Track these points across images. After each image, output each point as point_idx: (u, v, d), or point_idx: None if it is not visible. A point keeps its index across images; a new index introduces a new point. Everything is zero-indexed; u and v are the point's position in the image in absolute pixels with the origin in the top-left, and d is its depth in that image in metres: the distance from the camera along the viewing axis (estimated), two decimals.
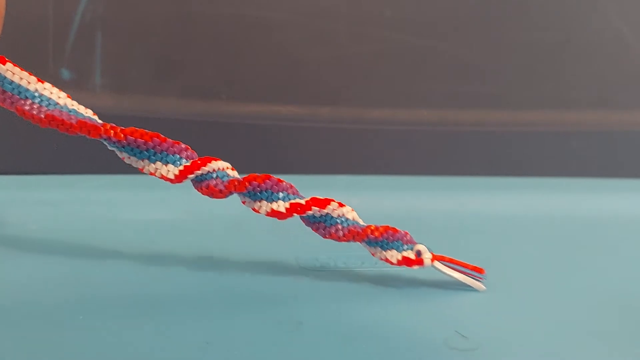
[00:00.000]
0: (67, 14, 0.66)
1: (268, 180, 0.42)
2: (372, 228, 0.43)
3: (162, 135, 0.41)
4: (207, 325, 0.39)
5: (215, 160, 0.42)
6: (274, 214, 0.42)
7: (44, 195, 0.55)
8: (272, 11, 0.70)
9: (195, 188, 0.42)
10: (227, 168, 0.42)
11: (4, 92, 0.40)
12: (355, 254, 0.47)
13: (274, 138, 0.66)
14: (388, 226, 0.43)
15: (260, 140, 0.66)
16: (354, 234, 0.42)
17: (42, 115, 0.39)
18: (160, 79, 0.67)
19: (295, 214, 0.42)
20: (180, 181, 0.41)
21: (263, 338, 0.38)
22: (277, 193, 0.42)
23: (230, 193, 0.42)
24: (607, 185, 0.63)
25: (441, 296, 0.42)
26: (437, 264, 0.43)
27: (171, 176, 0.41)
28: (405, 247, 0.43)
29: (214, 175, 0.42)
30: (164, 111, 0.63)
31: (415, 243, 0.43)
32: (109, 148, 0.41)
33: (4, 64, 0.39)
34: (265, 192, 0.42)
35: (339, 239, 0.43)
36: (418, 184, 0.61)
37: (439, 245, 0.43)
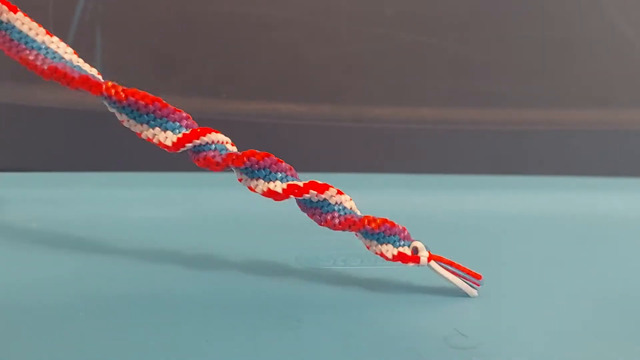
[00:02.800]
0: (67, 12, 0.66)
1: (267, 158, 0.40)
2: (370, 219, 0.42)
3: (163, 101, 0.40)
4: (207, 323, 0.39)
5: (216, 132, 0.41)
6: (270, 193, 0.40)
7: (45, 193, 0.55)
8: (273, 9, 0.70)
9: (192, 159, 0.41)
10: (227, 142, 0.41)
11: (11, 40, 0.39)
12: (355, 253, 0.46)
13: (274, 136, 0.66)
14: (386, 219, 0.42)
15: (260, 138, 0.66)
16: (350, 223, 0.41)
17: (45, 67, 0.38)
18: (160, 77, 0.67)
19: (291, 196, 0.41)
20: (177, 150, 0.40)
21: (262, 336, 0.38)
22: (276, 173, 0.41)
23: (227, 166, 0.40)
24: (608, 184, 0.63)
25: (441, 294, 0.42)
26: (433, 264, 0.42)
27: (169, 143, 0.40)
28: (402, 242, 0.42)
29: (213, 147, 0.40)
30: None
31: (412, 240, 0.43)
32: (109, 109, 0.39)
33: (15, 13, 0.39)
34: (264, 170, 0.40)
35: (334, 226, 0.41)
36: (418, 182, 0.61)
37: (438, 242, 0.43)
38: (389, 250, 0.42)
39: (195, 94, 0.67)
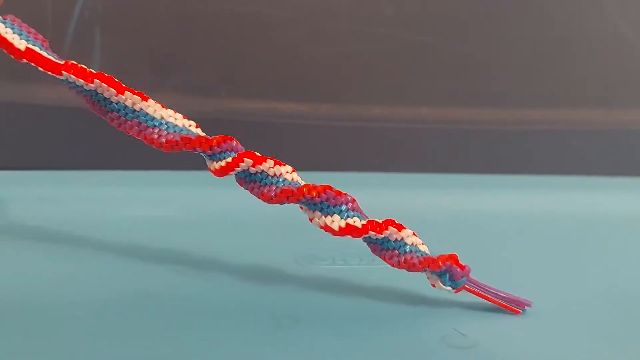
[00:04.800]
0: (66, 11, 0.66)
1: (324, 193, 0.39)
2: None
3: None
4: (205, 322, 0.39)
5: (278, 163, 0.40)
6: (326, 229, 0.40)
7: (44, 191, 0.55)
8: (272, 8, 0.70)
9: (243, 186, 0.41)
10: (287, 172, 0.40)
11: (139, 124, 0.40)
12: (354, 252, 0.46)
13: (274, 135, 0.66)
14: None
15: (260, 137, 0.66)
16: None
17: (164, 140, 0.40)
18: (159, 76, 0.67)
19: (229, 173, 0.40)
20: (222, 175, 0.40)
21: (260, 335, 0.38)
22: (334, 207, 0.39)
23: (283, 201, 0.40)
24: (608, 184, 0.63)
25: (439, 293, 0.42)
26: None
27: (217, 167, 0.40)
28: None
29: (264, 177, 0.40)
30: None
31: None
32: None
33: (146, 101, 0.40)
34: (320, 204, 0.40)
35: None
36: (419, 181, 0.61)
37: (439, 242, 0.42)
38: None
39: (195, 93, 0.67)
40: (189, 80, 0.69)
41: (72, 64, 0.40)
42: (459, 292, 0.41)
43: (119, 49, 0.67)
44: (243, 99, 0.69)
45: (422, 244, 0.41)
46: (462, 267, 0.41)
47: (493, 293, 0.41)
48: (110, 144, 0.62)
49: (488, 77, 0.71)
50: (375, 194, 0.53)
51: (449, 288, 0.41)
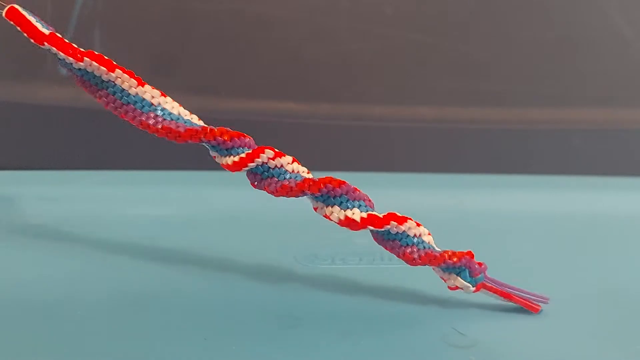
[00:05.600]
0: (65, 11, 0.66)
1: (344, 186, 0.39)
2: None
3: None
4: (206, 322, 0.39)
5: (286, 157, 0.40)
6: (347, 222, 0.39)
7: (45, 191, 0.55)
8: (272, 8, 0.70)
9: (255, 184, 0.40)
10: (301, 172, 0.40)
11: (134, 109, 0.39)
12: (353, 252, 0.46)
13: (274, 135, 0.66)
14: (463, 253, 0.40)
15: (260, 137, 0.66)
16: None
17: (159, 127, 0.39)
18: (159, 75, 0.67)
19: (369, 227, 0.39)
20: (235, 170, 0.40)
21: (261, 334, 0.38)
22: (354, 201, 0.39)
23: (302, 193, 0.39)
24: (609, 183, 0.63)
25: (439, 293, 0.42)
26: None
27: (229, 162, 0.39)
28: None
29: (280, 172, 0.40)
30: None
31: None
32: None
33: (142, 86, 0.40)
34: (340, 197, 0.39)
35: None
36: (419, 181, 0.61)
37: (439, 242, 0.42)
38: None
39: (194, 92, 0.67)
40: (188, 79, 0.69)
41: (95, 55, 0.39)
42: (477, 291, 0.41)
43: (119, 48, 0.67)
44: (243, 99, 0.69)
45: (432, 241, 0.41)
46: (480, 264, 0.41)
47: (511, 290, 0.41)
48: (111, 144, 0.62)
49: (488, 76, 0.71)
50: (375, 193, 0.53)
51: (469, 284, 0.40)
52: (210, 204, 0.55)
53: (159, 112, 0.40)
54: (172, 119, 0.40)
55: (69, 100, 0.63)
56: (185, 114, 0.41)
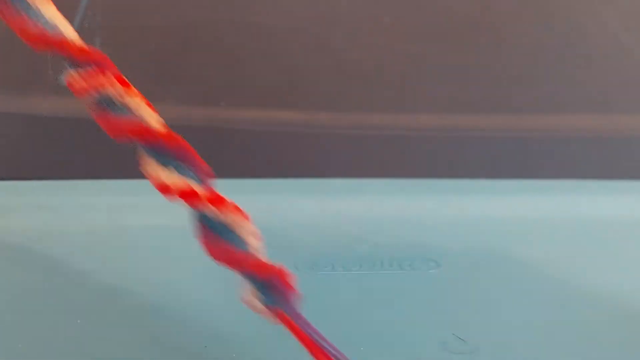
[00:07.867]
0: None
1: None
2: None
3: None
4: (206, 329, 0.39)
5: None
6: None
7: (44, 201, 0.55)
8: (271, 18, 0.70)
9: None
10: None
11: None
12: (354, 258, 0.46)
13: (273, 144, 0.66)
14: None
15: (260, 146, 0.66)
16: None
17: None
18: (159, 86, 0.67)
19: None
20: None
21: (262, 341, 0.38)
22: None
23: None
24: (608, 187, 0.63)
25: (439, 298, 0.42)
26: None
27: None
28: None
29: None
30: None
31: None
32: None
33: None
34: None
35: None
36: (418, 187, 0.61)
37: (437, 247, 0.42)
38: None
39: (194, 102, 0.67)
40: (188, 90, 0.69)
41: None
42: (274, 317, 0.34)
43: (119, 58, 0.67)
44: (242, 108, 0.69)
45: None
46: (291, 288, 0.35)
47: (316, 336, 0.34)
48: (109, 153, 0.62)
49: (487, 83, 0.71)
50: (374, 200, 0.53)
51: (260, 305, 0.35)
52: None
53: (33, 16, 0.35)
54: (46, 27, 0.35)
55: (67, 110, 0.63)
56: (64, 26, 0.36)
